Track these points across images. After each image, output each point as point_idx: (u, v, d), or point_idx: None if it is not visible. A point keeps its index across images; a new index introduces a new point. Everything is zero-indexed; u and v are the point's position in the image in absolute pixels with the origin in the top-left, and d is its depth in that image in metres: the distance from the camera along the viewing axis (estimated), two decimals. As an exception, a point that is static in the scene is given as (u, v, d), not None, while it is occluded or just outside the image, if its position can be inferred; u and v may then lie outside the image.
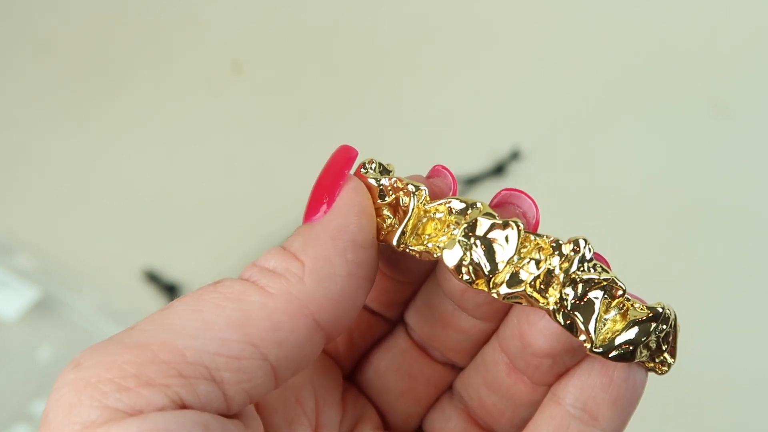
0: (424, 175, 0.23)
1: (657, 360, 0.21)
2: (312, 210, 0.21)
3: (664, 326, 0.20)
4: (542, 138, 0.58)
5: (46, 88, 0.62)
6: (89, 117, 0.60)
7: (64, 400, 0.18)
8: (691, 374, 0.46)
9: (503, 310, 0.22)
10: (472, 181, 0.55)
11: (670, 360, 0.21)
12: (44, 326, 0.50)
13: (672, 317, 0.21)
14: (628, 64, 0.61)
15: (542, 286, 0.20)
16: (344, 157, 0.22)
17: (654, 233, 0.54)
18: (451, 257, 0.21)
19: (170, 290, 0.53)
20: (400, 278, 0.24)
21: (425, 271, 0.23)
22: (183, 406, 0.18)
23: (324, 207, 0.21)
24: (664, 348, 0.21)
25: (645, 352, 0.20)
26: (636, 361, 0.20)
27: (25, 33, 0.64)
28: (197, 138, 0.60)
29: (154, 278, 0.53)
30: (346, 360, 0.25)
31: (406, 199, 0.22)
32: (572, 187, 0.56)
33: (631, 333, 0.20)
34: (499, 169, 0.56)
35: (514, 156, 0.57)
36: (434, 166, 0.23)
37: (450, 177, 0.22)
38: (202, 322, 0.19)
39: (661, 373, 0.21)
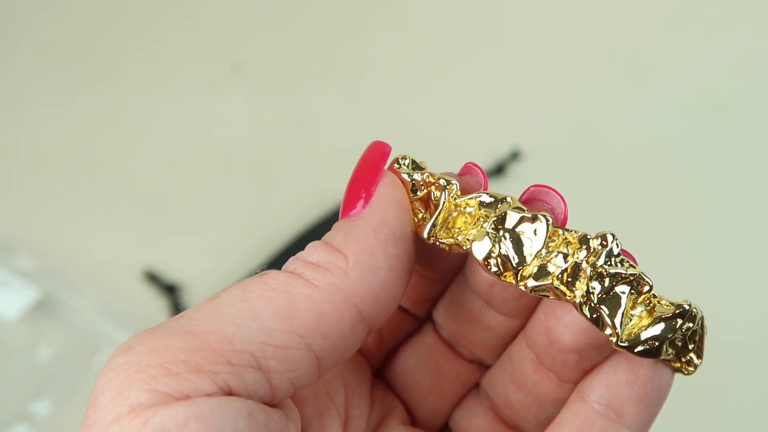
0: (453, 172, 0.23)
1: (683, 360, 0.21)
2: (349, 205, 0.21)
3: (691, 324, 0.20)
4: (542, 138, 0.58)
5: (45, 88, 0.61)
6: (89, 117, 0.60)
7: (114, 383, 0.18)
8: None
9: (530, 306, 0.22)
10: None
11: (696, 361, 0.21)
12: (44, 326, 0.50)
13: (699, 316, 0.20)
14: (628, 64, 0.61)
15: (569, 280, 0.20)
16: (378, 152, 0.22)
17: (654, 232, 0.54)
18: (480, 249, 0.21)
19: (170, 290, 0.52)
20: (430, 275, 0.24)
21: (454, 268, 0.24)
22: (230, 393, 0.18)
23: (361, 202, 0.21)
24: (690, 347, 0.20)
25: (671, 350, 0.20)
26: (662, 358, 0.20)
27: (25, 33, 0.64)
28: (197, 138, 0.59)
29: (154, 278, 0.53)
30: (375, 356, 0.25)
31: (437, 194, 0.22)
32: (572, 188, 0.56)
33: (657, 329, 0.20)
34: (499, 169, 0.56)
35: (514, 156, 0.57)
36: (466, 164, 0.23)
37: (481, 174, 0.22)
38: (250, 312, 0.19)
39: (688, 374, 0.21)
